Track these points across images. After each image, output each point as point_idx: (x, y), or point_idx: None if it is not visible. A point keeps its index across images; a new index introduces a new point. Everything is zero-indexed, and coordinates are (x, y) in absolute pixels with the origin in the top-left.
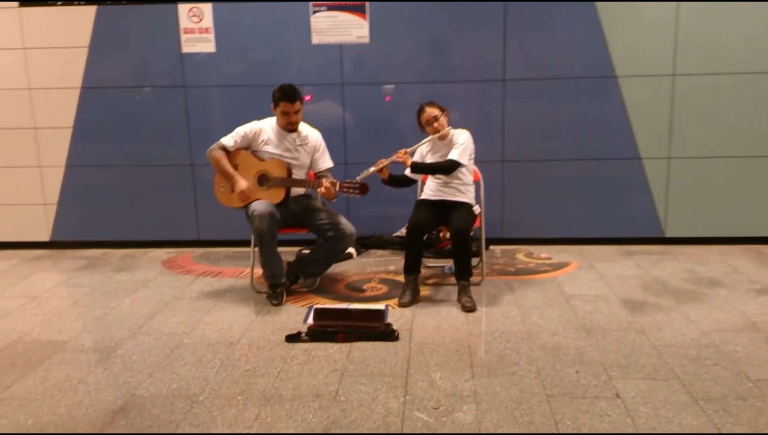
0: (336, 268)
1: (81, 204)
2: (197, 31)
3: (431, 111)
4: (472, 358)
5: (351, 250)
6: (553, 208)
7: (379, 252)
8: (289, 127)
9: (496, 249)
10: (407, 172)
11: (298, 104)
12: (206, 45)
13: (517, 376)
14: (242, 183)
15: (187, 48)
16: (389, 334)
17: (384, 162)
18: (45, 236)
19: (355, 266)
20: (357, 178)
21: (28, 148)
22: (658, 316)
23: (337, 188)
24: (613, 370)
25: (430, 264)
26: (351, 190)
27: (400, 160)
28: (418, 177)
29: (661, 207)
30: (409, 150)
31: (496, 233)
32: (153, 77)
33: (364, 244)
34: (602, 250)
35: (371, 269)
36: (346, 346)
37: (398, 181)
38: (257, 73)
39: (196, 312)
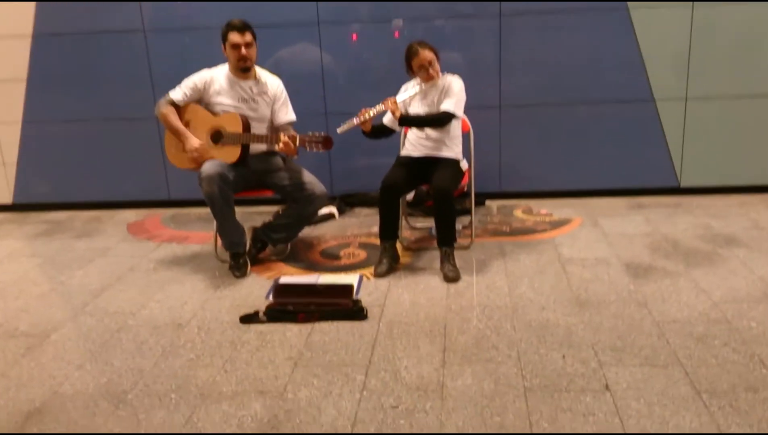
0: (313, 231)
1: (43, 163)
2: None
3: (426, 54)
4: (445, 341)
5: (332, 209)
6: (556, 158)
7: (365, 211)
8: (241, 63)
9: (493, 205)
10: (386, 120)
11: (248, 36)
12: None
13: (494, 364)
14: (193, 141)
15: None
16: (357, 313)
17: (369, 112)
18: (7, 199)
19: (334, 228)
20: (338, 130)
21: None
22: (664, 284)
23: (298, 143)
24: (606, 354)
25: (418, 224)
26: (313, 145)
27: (390, 110)
28: (399, 127)
29: (677, 154)
30: (399, 99)
31: (493, 187)
32: (110, 20)
33: (348, 202)
34: (610, 203)
35: (352, 232)
36: (307, 327)
37: (379, 132)
38: (224, 13)
39: (149, 286)
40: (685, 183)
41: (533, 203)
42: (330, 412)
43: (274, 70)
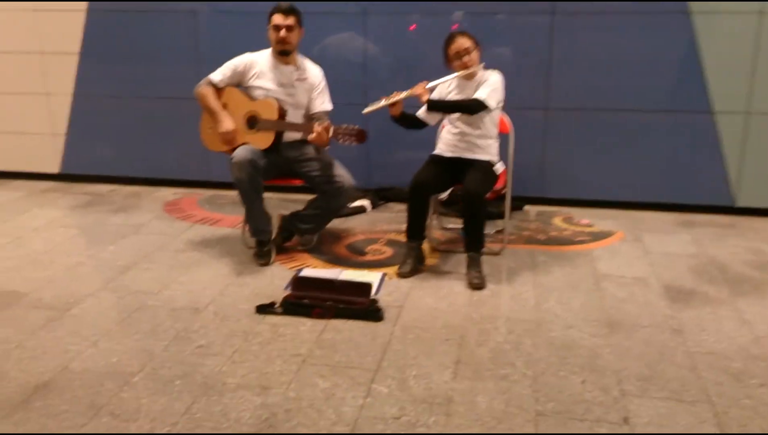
0: (343, 223)
1: (90, 136)
2: None
3: (462, 41)
4: (460, 352)
5: (365, 202)
6: (603, 166)
7: (398, 206)
8: (279, 46)
9: (532, 210)
10: (420, 112)
11: (291, 19)
12: None
13: (508, 382)
14: (227, 123)
15: None
16: (373, 313)
17: (399, 95)
18: (55, 168)
19: (365, 222)
20: (364, 110)
21: (35, 73)
22: (704, 312)
23: (331, 134)
24: (630, 382)
25: (450, 225)
26: (346, 137)
27: (417, 94)
28: (433, 119)
29: (734, 171)
30: (429, 84)
31: (535, 192)
32: None
33: (383, 196)
34: (657, 218)
35: (382, 227)
36: (321, 323)
37: (409, 120)
38: None
39: (175, 267)
40: (740, 203)
41: (575, 211)
42: (329, 416)
43: (318, 58)
